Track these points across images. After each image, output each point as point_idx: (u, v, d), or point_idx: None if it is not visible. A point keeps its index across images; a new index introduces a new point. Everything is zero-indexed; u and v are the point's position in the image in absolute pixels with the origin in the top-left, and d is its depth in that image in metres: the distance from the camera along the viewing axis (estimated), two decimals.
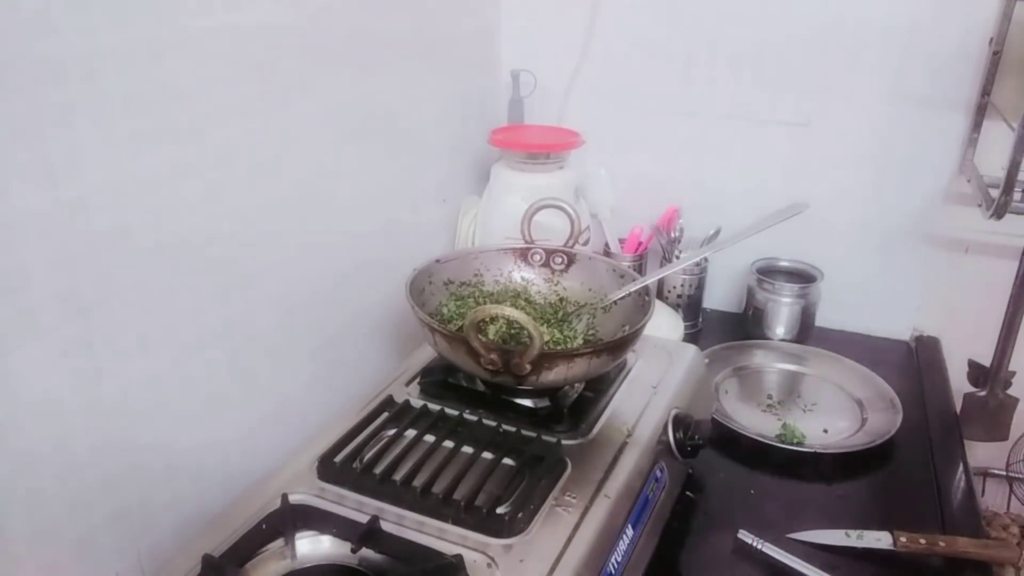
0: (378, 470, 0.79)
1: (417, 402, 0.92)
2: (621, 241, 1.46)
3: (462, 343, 0.83)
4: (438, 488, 0.77)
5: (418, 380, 0.98)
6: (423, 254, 1.03)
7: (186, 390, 0.82)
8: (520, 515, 0.75)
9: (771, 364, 1.32)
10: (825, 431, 1.13)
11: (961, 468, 1.11)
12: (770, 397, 1.24)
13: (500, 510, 0.74)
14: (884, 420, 1.15)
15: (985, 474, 1.38)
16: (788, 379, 1.29)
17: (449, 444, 0.84)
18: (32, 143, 0.62)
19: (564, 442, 0.86)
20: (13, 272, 0.63)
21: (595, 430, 0.89)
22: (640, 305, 0.97)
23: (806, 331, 1.39)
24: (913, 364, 1.36)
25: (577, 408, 0.92)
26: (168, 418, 0.81)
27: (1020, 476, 1.26)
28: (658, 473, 0.88)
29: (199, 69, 0.78)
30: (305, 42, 0.93)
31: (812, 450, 1.09)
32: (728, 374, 1.29)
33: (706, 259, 1.42)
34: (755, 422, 1.16)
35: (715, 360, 1.29)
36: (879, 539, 0.94)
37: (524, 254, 1.09)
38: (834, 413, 1.19)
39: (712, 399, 1.16)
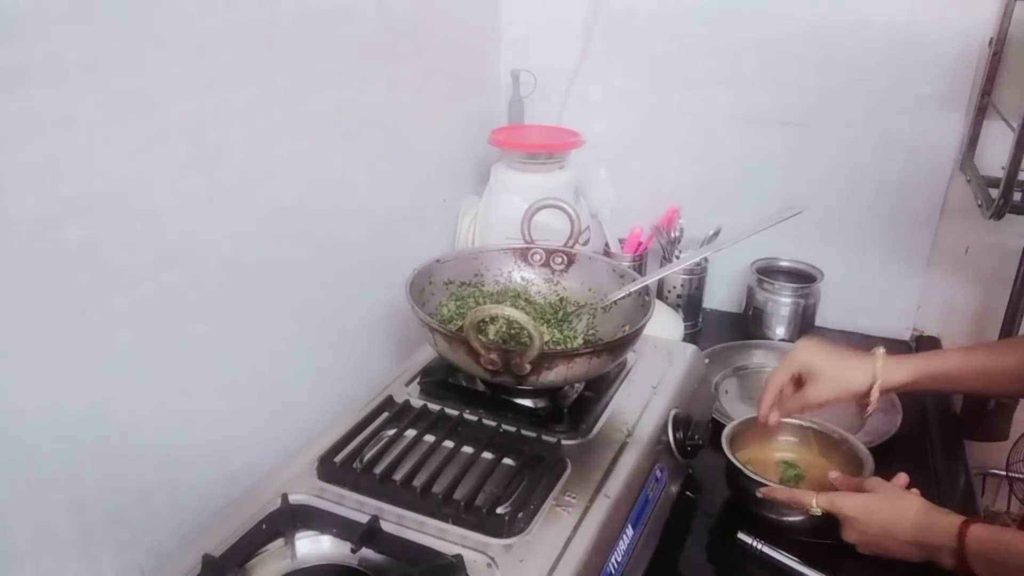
0: (378, 470, 0.79)
1: (417, 402, 0.92)
2: (621, 241, 1.46)
3: (462, 343, 0.83)
4: (438, 488, 0.77)
5: (418, 380, 0.98)
6: (423, 254, 1.03)
7: (185, 390, 0.82)
8: (520, 515, 0.75)
9: (771, 364, 1.31)
10: None
11: (961, 468, 1.11)
12: None
13: (500, 510, 0.74)
14: (884, 420, 1.15)
15: (985, 474, 1.37)
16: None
17: (449, 444, 0.84)
18: (33, 143, 0.62)
19: (564, 442, 0.86)
20: (13, 272, 0.63)
21: (595, 430, 0.89)
22: (640, 305, 0.97)
23: (806, 331, 1.39)
24: None
25: (577, 408, 0.92)
26: (168, 418, 0.81)
27: (1020, 476, 1.26)
28: (658, 473, 0.88)
29: (200, 69, 0.78)
30: (305, 43, 0.93)
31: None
32: (728, 374, 1.29)
33: (706, 259, 1.42)
34: None
35: (715, 360, 1.29)
36: None
37: (524, 254, 1.08)
38: (834, 413, 1.19)
39: (712, 399, 1.16)
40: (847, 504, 0.88)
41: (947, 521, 0.82)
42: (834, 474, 0.95)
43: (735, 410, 1.19)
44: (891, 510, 0.86)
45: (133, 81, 0.70)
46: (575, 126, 1.38)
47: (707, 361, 1.17)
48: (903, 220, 1.37)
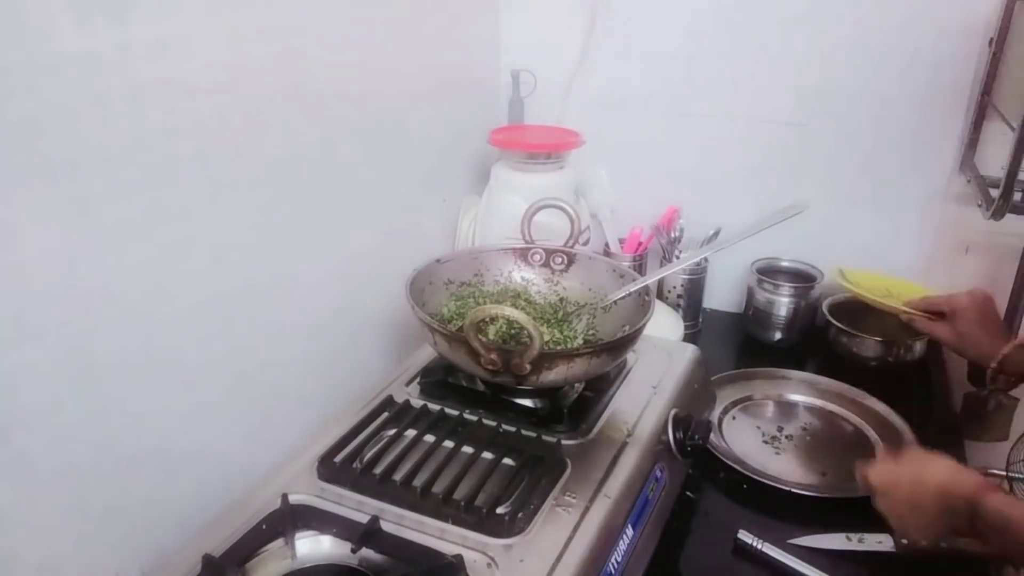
0: (378, 470, 0.79)
1: (417, 402, 0.92)
2: (621, 241, 1.46)
3: (462, 343, 0.83)
4: (438, 488, 0.77)
5: (418, 380, 0.98)
6: (423, 254, 1.03)
7: (186, 390, 0.82)
8: (520, 515, 0.75)
9: (781, 395, 1.25)
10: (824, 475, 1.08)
11: None
12: (780, 430, 1.17)
13: (500, 510, 0.74)
14: None
15: (985, 474, 1.37)
16: (791, 411, 1.23)
17: (449, 444, 0.84)
18: (33, 144, 0.62)
19: (564, 442, 0.86)
20: (13, 272, 0.63)
21: (595, 430, 0.89)
22: (640, 305, 0.97)
23: (806, 331, 1.39)
24: None
25: (577, 408, 0.92)
26: (168, 418, 0.81)
27: (1020, 476, 1.25)
28: (658, 473, 0.88)
29: (200, 68, 0.77)
30: (304, 42, 0.93)
31: (817, 493, 1.03)
32: (733, 404, 1.22)
33: (706, 259, 1.42)
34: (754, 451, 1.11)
35: (719, 387, 1.20)
36: (881, 541, 0.94)
37: (524, 254, 1.08)
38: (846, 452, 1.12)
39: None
40: (874, 472, 0.85)
41: (971, 478, 0.79)
42: None
43: (738, 438, 1.13)
44: (918, 470, 0.82)
45: (132, 81, 0.70)
46: (575, 126, 1.38)
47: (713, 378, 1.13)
48: (903, 221, 1.37)
